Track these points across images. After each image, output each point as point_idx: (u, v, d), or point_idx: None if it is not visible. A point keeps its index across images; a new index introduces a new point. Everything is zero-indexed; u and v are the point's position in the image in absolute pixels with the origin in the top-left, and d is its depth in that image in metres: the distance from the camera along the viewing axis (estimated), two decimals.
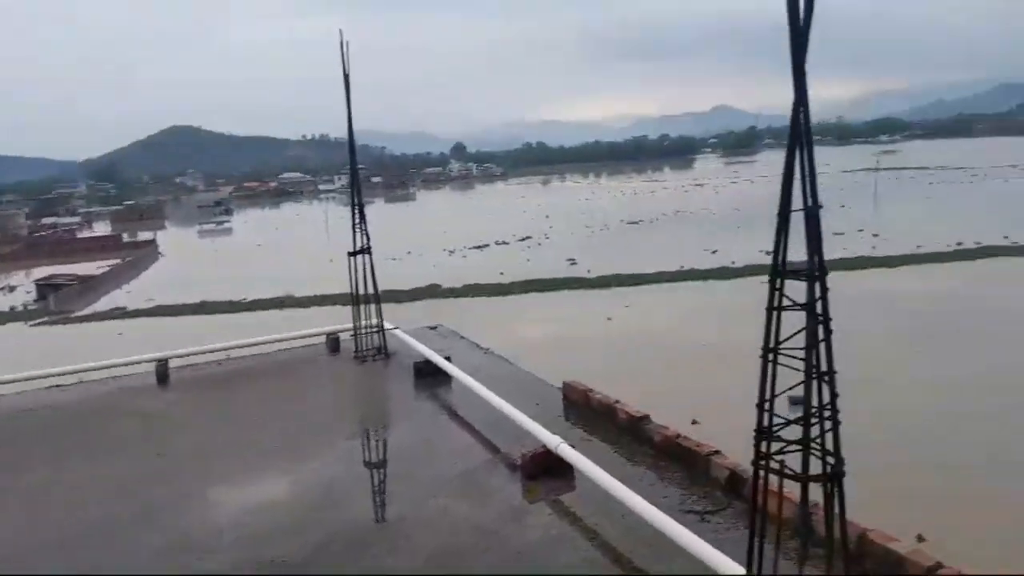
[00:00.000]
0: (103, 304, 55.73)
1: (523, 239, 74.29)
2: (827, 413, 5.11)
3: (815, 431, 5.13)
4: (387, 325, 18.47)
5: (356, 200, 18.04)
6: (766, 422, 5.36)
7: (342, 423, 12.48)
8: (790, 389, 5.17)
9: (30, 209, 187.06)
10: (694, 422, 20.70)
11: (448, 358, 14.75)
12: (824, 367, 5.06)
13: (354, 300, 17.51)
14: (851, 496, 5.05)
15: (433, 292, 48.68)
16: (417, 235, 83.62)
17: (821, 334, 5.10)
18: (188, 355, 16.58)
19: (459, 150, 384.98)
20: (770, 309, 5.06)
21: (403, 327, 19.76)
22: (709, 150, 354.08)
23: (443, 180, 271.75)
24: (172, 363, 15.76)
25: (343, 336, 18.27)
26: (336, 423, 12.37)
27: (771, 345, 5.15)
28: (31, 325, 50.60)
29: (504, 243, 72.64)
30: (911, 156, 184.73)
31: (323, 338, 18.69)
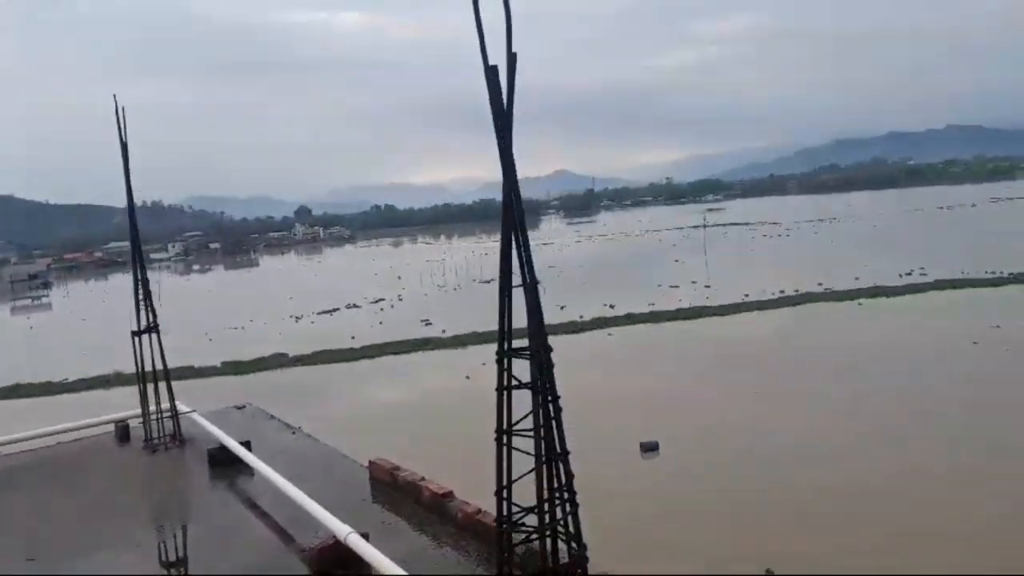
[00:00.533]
0: None
1: (375, 301, 73.09)
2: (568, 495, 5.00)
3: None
4: (183, 408, 17.15)
5: (139, 275, 16.73)
6: (506, 510, 5.14)
7: (125, 522, 11.43)
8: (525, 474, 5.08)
9: None
10: None
11: (247, 443, 13.78)
12: (559, 447, 4.96)
13: (141, 382, 16.18)
14: None
15: (279, 362, 46.41)
16: (261, 302, 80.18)
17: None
18: None
19: (304, 213, 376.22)
20: (500, 389, 4.97)
21: (208, 408, 18.69)
22: (552, 212, 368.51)
23: (288, 244, 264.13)
24: None
25: (134, 423, 16.83)
26: (118, 523, 11.38)
27: (503, 427, 5.03)
28: None
29: (355, 306, 71.07)
30: (733, 213, 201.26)
31: (111, 426, 17.19)
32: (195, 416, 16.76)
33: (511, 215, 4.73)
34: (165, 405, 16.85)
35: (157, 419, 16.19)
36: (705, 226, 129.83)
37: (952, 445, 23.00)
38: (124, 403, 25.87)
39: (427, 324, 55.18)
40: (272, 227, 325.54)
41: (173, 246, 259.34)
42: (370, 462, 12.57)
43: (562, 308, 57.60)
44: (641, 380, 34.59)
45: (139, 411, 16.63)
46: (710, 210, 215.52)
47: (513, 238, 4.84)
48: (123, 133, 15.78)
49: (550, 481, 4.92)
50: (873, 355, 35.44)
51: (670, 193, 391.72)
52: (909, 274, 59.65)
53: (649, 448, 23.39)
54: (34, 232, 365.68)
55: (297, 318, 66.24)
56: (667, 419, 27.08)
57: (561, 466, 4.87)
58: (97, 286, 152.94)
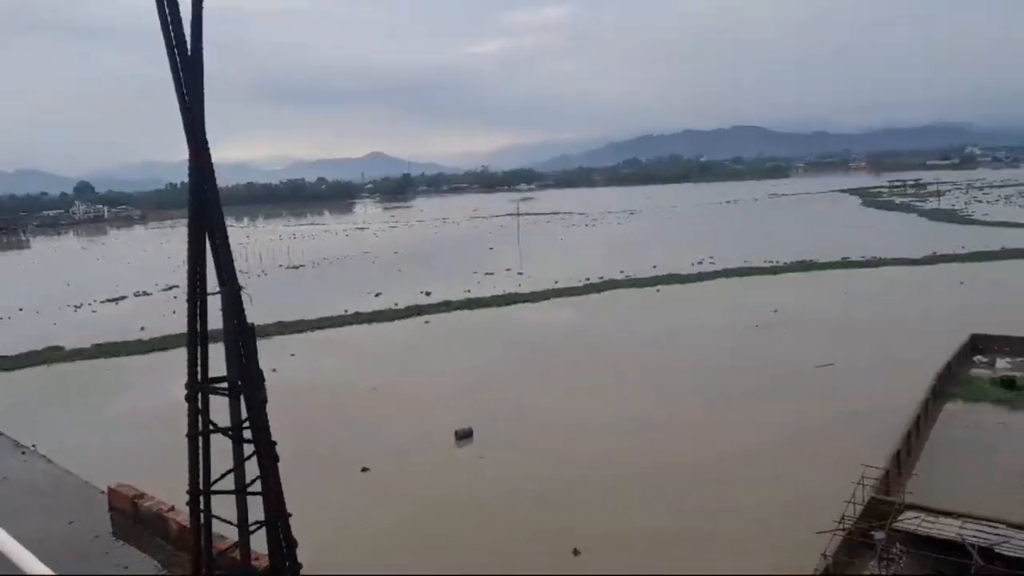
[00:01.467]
0: None
1: (168, 288, 67.23)
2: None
3: None
4: None
5: None
6: None
7: None
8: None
9: None
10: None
11: None
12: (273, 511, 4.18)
13: None
14: None
15: (53, 356, 41.27)
16: (33, 289, 71.05)
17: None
18: None
19: (85, 190, 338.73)
20: (192, 435, 4.13)
21: None
22: (367, 195, 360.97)
23: (66, 224, 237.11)
24: None
25: None
26: None
27: (200, 486, 4.23)
28: None
29: (146, 294, 65.01)
30: (545, 203, 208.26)
31: None
32: None
33: (203, 205, 3.82)
34: None
35: None
36: (519, 215, 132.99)
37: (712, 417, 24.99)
38: None
39: None
40: (46, 205, 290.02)
41: None
42: (109, 489, 11.05)
43: (377, 295, 56.22)
44: (457, 366, 34.42)
45: None
46: (524, 199, 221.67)
47: (208, 237, 3.91)
48: None
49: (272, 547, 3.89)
50: (669, 337, 37.93)
51: (486, 181, 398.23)
52: (700, 263, 64.56)
53: (464, 435, 23.17)
54: None
55: (76, 307, 59.39)
56: (482, 404, 27.07)
57: (281, 534, 3.78)
58: None
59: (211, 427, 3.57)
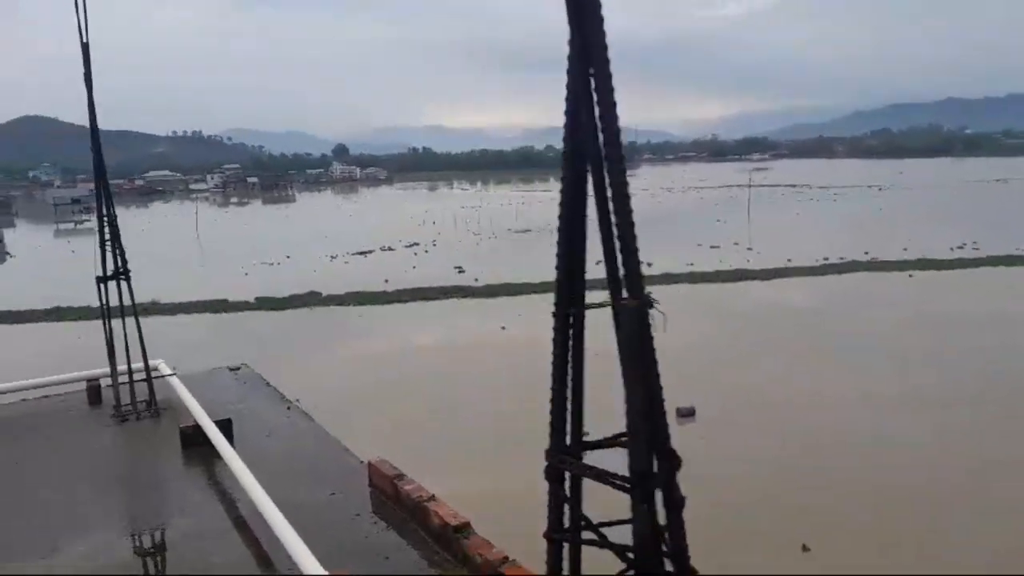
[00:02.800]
0: None
1: (409, 245, 72.73)
2: None
3: None
4: (164, 370, 15.02)
5: (105, 211, 14.54)
6: None
7: (74, 519, 9.51)
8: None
9: None
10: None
11: (228, 422, 11.81)
12: None
13: (109, 341, 13.82)
14: None
15: (312, 300, 46.40)
16: (297, 239, 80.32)
17: None
18: None
19: (341, 151, 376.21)
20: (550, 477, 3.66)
21: (193, 370, 16.18)
22: None
23: (325, 182, 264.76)
24: None
25: (107, 383, 14.64)
26: (66, 519, 9.51)
27: (561, 526, 4.04)
28: None
29: (390, 249, 70.83)
30: (780, 174, 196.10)
31: (83, 385, 15.01)
32: (174, 380, 14.52)
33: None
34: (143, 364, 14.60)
35: (130, 383, 13.99)
36: (751, 186, 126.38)
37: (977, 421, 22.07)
38: (159, 334, 25.88)
39: (460, 271, 54.72)
40: (309, 164, 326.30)
41: (212, 177, 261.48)
42: (369, 464, 10.46)
43: (597, 263, 56.51)
44: (677, 343, 33.74)
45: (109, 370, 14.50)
46: (756, 169, 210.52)
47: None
48: (83, 31, 12.63)
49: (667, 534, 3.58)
50: (924, 327, 34.17)
51: (715, 150, 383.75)
52: (961, 247, 57.46)
53: (686, 414, 22.77)
54: (78, 156, 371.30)
55: (332, 257, 66.23)
56: (705, 384, 26.33)
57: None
58: (138, 213, 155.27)
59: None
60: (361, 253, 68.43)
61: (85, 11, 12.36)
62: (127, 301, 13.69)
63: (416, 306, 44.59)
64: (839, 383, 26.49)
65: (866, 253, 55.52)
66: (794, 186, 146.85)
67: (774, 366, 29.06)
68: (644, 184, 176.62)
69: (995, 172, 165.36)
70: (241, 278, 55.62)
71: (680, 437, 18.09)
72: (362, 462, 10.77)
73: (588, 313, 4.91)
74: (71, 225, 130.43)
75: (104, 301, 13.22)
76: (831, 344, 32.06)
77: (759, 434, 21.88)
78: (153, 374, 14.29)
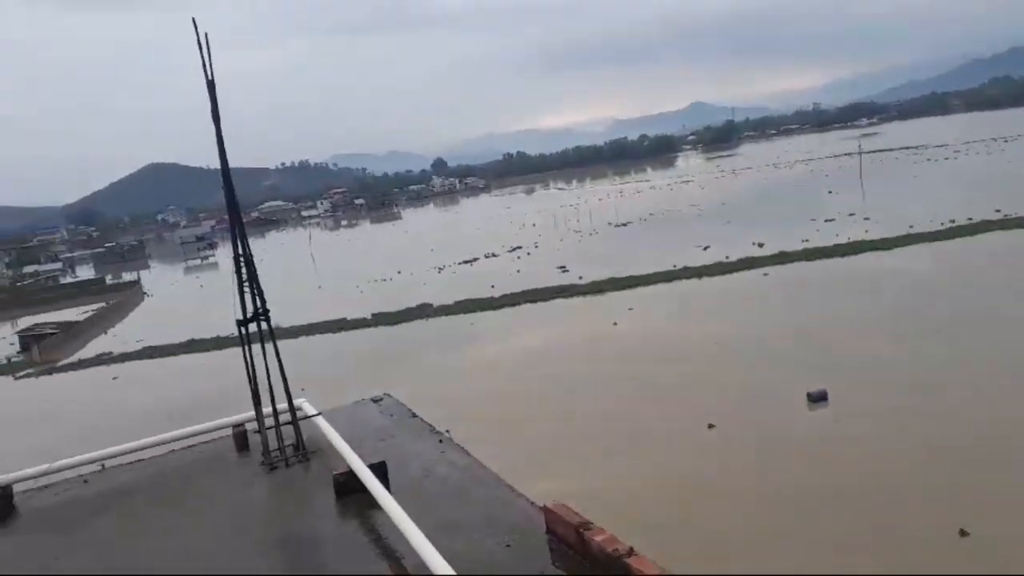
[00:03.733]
0: (89, 351, 54.31)
1: (512, 250, 73.38)
2: None
3: None
4: (309, 409, 14.24)
5: (241, 250, 13.09)
6: None
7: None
8: None
9: (10, 258, 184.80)
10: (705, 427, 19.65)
11: (382, 465, 10.82)
12: None
13: (253, 384, 12.97)
14: None
15: (424, 312, 47.58)
16: (405, 254, 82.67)
17: None
18: (39, 476, 12.77)
19: (440, 165, 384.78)
20: None
21: (333, 405, 15.10)
22: (689, 147, 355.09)
23: (427, 196, 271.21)
24: (18, 487, 12.24)
25: (253, 427, 13.68)
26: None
27: None
28: (16, 378, 49.18)
29: (493, 255, 71.70)
30: (891, 138, 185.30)
31: (229, 431, 14.36)
32: (320, 421, 13.65)
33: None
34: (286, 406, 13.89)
35: (276, 426, 13.12)
36: (861, 153, 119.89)
37: None
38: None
39: (564, 271, 54.69)
40: (410, 180, 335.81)
41: (321, 203, 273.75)
42: (546, 509, 8.86)
43: (706, 248, 55.20)
44: (802, 322, 32.38)
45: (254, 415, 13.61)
46: (864, 135, 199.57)
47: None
48: (208, 68, 12.63)
49: None
50: None
51: (818, 120, 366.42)
52: None
53: (818, 398, 21.70)
54: (198, 196, 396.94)
55: (440, 268, 67.72)
56: (837, 364, 25.09)
57: None
58: (255, 244, 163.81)
59: None
60: (466, 262, 69.62)
61: (209, 49, 12.08)
62: (268, 342, 13.36)
63: (525, 309, 44.90)
64: (985, 356, 24.67)
65: (998, 211, 51.51)
66: (908, 148, 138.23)
67: (905, 344, 27.37)
68: (747, 163, 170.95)
69: None
70: (357, 296, 57.78)
71: (814, 421, 17.32)
72: (533, 504, 9.51)
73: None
74: (198, 261, 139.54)
75: (246, 344, 12.55)
76: (973, 311, 29.91)
77: (891, 418, 20.64)
78: (298, 415, 13.73)
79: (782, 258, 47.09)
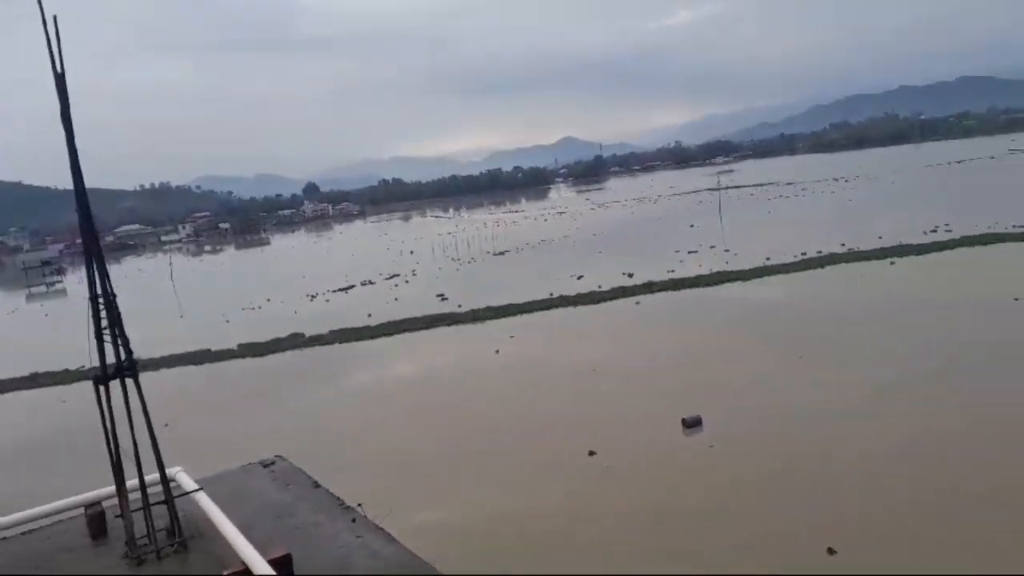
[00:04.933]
0: None
1: (390, 277, 72.31)
2: None
3: None
4: (187, 483, 11.26)
5: (100, 289, 10.87)
6: None
7: None
8: None
9: None
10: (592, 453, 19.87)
11: (286, 558, 8.75)
12: None
13: (114, 455, 10.07)
14: None
15: (296, 342, 45.79)
16: (275, 281, 79.60)
17: None
18: None
19: (311, 190, 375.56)
20: None
21: (199, 456, 12.66)
22: (561, 180, 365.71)
23: (298, 222, 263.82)
24: None
25: (111, 505, 11.04)
26: None
27: None
28: None
29: (370, 283, 70.33)
30: (746, 174, 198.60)
31: (80, 511, 11.38)
32: (201, 497, 10.89)
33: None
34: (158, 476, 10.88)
35: (145, 507, 10.26)
36: (719, 189, 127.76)
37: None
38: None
39: (443, 299, 54.41)
40: (280, 205, 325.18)
41: (183, 227, 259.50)
42: None
43: (579, 278, 56.64)
44: (673, 348, 33.67)
45: (112, 491, 10.64)
46: (722, 172, 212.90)
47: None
48: (56, 60, 10.19)
49: None
50: (919, 313, 34.28)
51: (679, 157, 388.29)
52: (934, 231, 58.15)
53: (692, 424, 22.47)
54: (45, 218, 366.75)
55: (312, 296, 65.63)
56: (707, 393, 26.13)
57: None
58: (110, 270, 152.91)
59: None
60: (341, 290, 67.89)
61: (59, 36, 9.71)
62: (134, 404, 10.38)
63: (403, 338, 44.15)
64: (843, 378, 26.47)
65: (843, 244, 56.05)
66: (761, 185, 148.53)
67: (769, 366, 29.00)
68: (615, 196, 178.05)
69: (955, 154, 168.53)
70: (222, 326, 54.86)
71: (690, 446, 17.82)
72: None
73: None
74: (43, 288, 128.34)
75: (105, 406, 9.90)
76: (829, 339, 32.13)
77: (764, 443, 21.68)
78: (173, 490, 10.62)
79: (650, 287, 49.02)
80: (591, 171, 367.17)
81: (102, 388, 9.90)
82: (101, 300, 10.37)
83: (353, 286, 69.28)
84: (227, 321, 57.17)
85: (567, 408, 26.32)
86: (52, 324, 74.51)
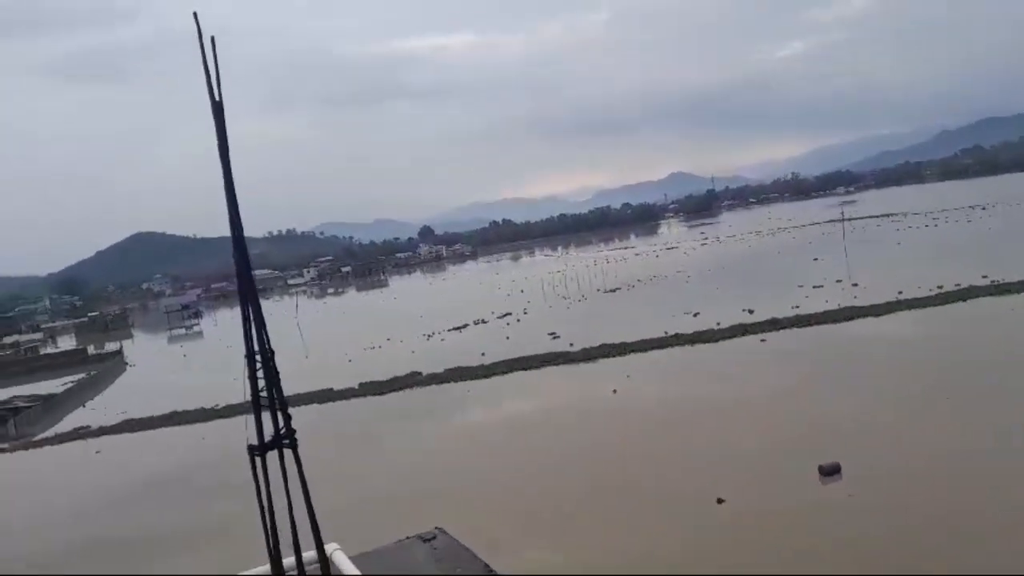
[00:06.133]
0: (67, 424, 52.69)
1: (502, 316, 72.95)
2: None
3: None
4: (346, 565, 9.09)
5: (257, 345, 8.48)
6: None
7: None
8: None
9: None
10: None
11: None
12: None
13: (272, 536, 8.19)
14: None
15: (414, 380, 46.70)
16: (393, 321, 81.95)
17: None
18: None
19: (427, 233, 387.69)
20: None
21: (370, 547, 10.63)
22: (671, 215, 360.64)
23: (414, 264, 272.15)
24: None
25: None
26: None
27: None
28: None
29: (483, 322, 71.19)
30: (870, 205, 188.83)
31: None
32: None
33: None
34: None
35: None
36: (844, 220, 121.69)
37: None
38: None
39: (555, 337, 54.20)
40: (397, 248, 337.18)
41: (308, 271, 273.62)
42: None
43: (695, 315, 55.01)
44: (804, 389, 31.83)
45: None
46: (844, 203, 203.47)
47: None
48: (215, 86, 7.58)
49: None
50: None
51: (796, 188, 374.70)
52: None
53: (830, 471, 20.90)
54: (183, 265, 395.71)
55: (428, 336, 67.01)
56: (845, 437, 24.42)
57: None
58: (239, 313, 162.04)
59: None
60: (456, 329, 69.00)
61: (216, 63, 8.66)
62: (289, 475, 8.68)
63: (517, 377, 44.16)
64: (998, 422, 24.23)
65: (984, 276, 51.91)
66: (888, 215, 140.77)
67: (912, 408, 26.93)
68: (729, 230, 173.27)
69: None
70: (345, 365, 56.81)
71: (828, 495, 16.66)
72: None
73: None
74: (182, 331, 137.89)
75: (262, 477, 8.30)
76: (979, 379, 29.57)
77: (908, 492, 19.99)
78: (333, 572, 8.88)
79: (774, 324, 46.89)
80: (703, 205, 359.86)
81: (257, 459, 8.34)
82: (258, 358, 8.38)
83: (467, 325, 70.26)
84: (350, 360, 59.17)
85: (692, 450, 25.29)
86: (190, 365, 79.68)
